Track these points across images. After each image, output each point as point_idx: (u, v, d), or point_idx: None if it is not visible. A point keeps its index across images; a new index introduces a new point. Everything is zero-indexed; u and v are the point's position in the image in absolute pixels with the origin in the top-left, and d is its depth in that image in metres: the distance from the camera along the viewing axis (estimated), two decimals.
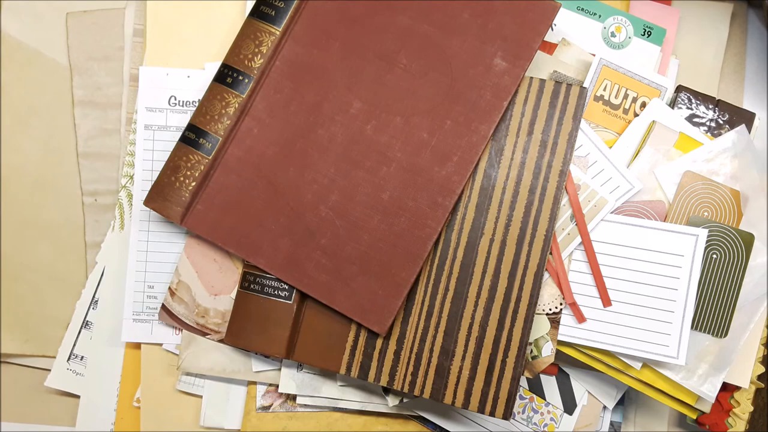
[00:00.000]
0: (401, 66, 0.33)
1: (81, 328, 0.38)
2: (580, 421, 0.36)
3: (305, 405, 0.36)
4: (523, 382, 0.37)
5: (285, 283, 0.33)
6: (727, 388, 0.36)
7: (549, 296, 0.33)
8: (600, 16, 0.38)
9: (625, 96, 0.35)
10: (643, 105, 0.36)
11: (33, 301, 0.38)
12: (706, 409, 0.34)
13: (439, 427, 0.36)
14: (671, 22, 0.39)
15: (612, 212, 0.34)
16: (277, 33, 0.34)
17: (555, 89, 0.33)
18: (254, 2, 0.35)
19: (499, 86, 0.33)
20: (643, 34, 0.38)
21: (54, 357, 0.37)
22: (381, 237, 0.32)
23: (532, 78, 0.33)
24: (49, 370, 0.37)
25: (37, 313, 0.38)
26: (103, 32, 0.38)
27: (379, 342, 0.33)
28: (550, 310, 0.33)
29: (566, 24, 0.38)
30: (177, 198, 0.33)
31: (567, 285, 0.33)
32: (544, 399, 0.36)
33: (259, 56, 0.34)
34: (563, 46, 0.36)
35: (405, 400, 0.35)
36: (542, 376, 0.36)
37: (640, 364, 0.33)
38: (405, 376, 0.32)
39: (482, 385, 0.32)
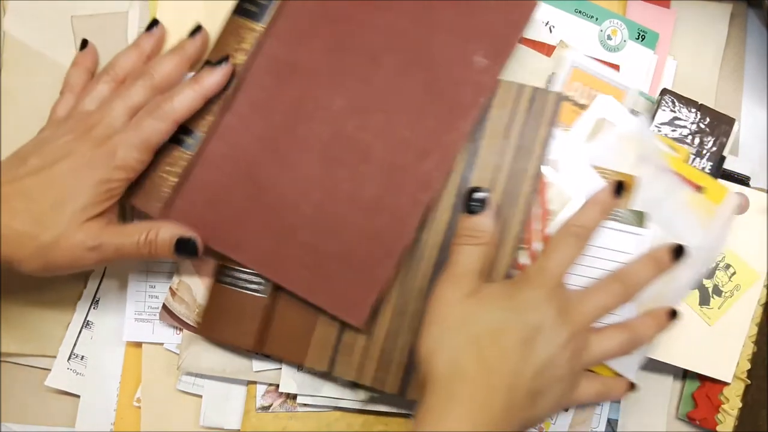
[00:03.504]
0: (383, 64, 0.35)
1: (82, 327, 0.39)
2: (576, 419, 0.38)
3: (305, 405, 0.38)
4: None
5: (258, 276, 0.35)
6: (717, 384, 0.38)
7: None
8: (597, 19, 0.40)
9: (593, 97, 0.37)
10: None
11: (33, 300, 0.39)
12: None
13: None
14: (668, 24, 0.41)
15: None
16: (260, 30, 0.35)
17: (532, 95, 0.35)
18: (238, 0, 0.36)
19: (480, 83, 0.35)
20: (638, 38, 0.40)
21: (54, 357, 0.39)
22: (361, 233, 0.34)
23: (510, 82, 0.35)
24: (50, 369, 0.39)
25: (38, 312, 0.40)
26: (108, 36, 0.39)
27: (348, 337, 0.35)
28: None
29: (564, 26, 0.40)
30: (158, 194, 0.34)
31: None
32: None
33: (242, 53, 0.35)
34: (561, 48, 0.39)
35: (375, 396, 0.37)
36: None
37: None
38: (372, 371, 0.35)
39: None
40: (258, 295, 0.35)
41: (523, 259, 0.35)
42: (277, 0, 0.36)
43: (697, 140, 0.37)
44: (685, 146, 0.38)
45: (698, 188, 0.36)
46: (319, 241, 0.34)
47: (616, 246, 0.35)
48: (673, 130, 0.37)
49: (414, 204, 0.34)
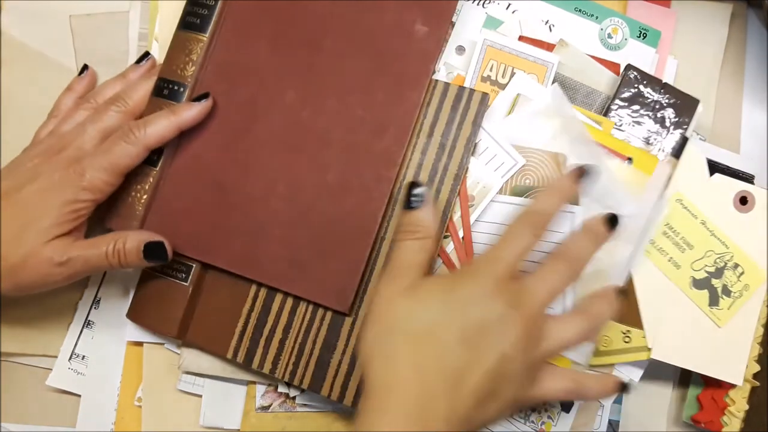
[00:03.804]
0: (327, 49, 0.36)
1: (83, 327, 0.39)
2: (577, 420, 0.38)
3: (305, 405, 0.38)
4: None
5: (184, 264, 0.36)
6: (722, 386, 0.37)
7: None
8: (597, 18, 0.40)
9: (512, 75, 0.37)
10: None
11: (34, 300, 0.39)
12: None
13: None
14: (668, 23, 0.41)
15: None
16: (205, 39, 0.36)
17: (458, 93, 0.35)
18: (181, 14, 0.37)
19: (424, 51, 0.35)
20: (639, 36, 0.40)
21: (55, 356, 0.39)
22: (331, 218, 0.34)
23: (437, 81, 0.36)
24: (51, 369, 0.39)
25: (39, 312, 0.40)
26: (107, 36, 0.40)
27: (266, 329, 0.35)
28: None
29: (564, 25, 0.40)
30: (132, 213, 0.35)
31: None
32: None
33: (191, 64, 0.36)
34: (561, 46, 0.38)
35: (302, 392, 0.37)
36: None
37: None
38: (287, 365, 0.35)
39: (359, 381, 0.34)
40: (183, 283, 0.35)
41: (448, 247, 0.35)
42: (216, 8, 0.37)
43: (659, 119, 0.37)
44: (646, 120, 0.37)
45: (627, 159, 0.36)
46: (293, 233, 0.35)
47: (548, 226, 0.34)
48: (635, 108, 0.37)
49: (379, 180, 0.34)
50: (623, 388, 0.31)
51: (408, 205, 0.32)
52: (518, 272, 0.29)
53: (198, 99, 0.34)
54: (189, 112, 0.34)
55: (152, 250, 0.33)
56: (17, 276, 0.31)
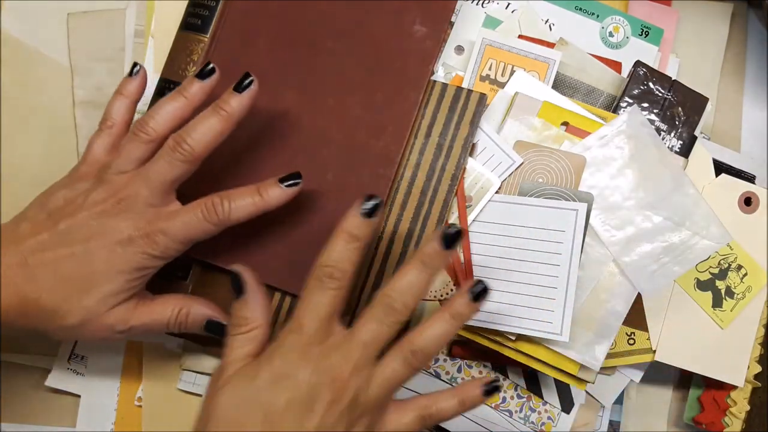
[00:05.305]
0: (326, 49, 0.35)
1: None
2: (578, 421, 0.37)
3: None
4: (521, 381, 0.37)
5: (183, 263, 0.35)
6: (723, 387, 0.36)
7: (441, 282, 0.34)
8: (598, 16, 0.39)
9: (512, 73, 0.36)
10: None
11: None
12: (591, 378, 0.34)
13: (438, 426, 0.37)
14: (670, 22, 0.39)
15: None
16: (206, 40, 0.36)
17: (456, 94, 0.35)
18: (182, 15, 0.37)
19: (423, 51, 0.34)
20: (641, 34, 0.39)
21: (55, 356, 0.38)
22: (330, 217, 0.34)
23: (435, 81, 0.35)
24: (50, 369, 0.38)
25: None
26: (104, 33, 0.39)
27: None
28: (442, 296, 0.34)
29: (564, 23, 0.38)
30: None
31: (462, 270, 0.34)
32: (542, 398, 0.37)
33: (192, 65, 0.36)
34: (561, 45, 0.37)
35: None
36: (539, 375, 0.37)
37: (515, 336, 0.33)
38: None
39: None
40: (183, 281, 0.35)
41: None
42: (217, 9, 0.36)
43: (668, 117, 0.36)
44: (654, 117, 0.35)
45: None
46: (291, 232, 0.34)
47: (548, 225, 0.33)
48: (645, 105, 0.36)
49: (378, 180, 0.34)
50: (492, 390, 0.28)
51: (235, 293, 0.29)
52: (336, 329, 0.28)
53: (240, 87, 0.30)
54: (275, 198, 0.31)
55: (214, 326, 0.32)
56: (72, 334, 0.29)
